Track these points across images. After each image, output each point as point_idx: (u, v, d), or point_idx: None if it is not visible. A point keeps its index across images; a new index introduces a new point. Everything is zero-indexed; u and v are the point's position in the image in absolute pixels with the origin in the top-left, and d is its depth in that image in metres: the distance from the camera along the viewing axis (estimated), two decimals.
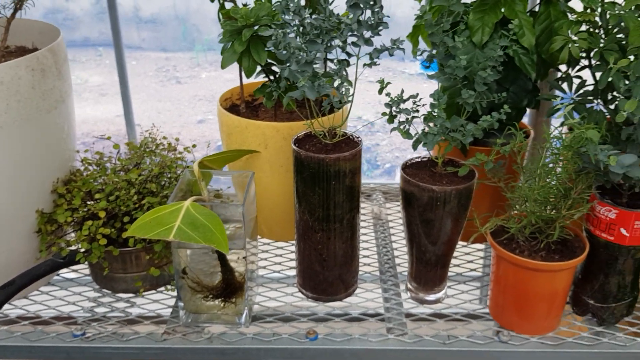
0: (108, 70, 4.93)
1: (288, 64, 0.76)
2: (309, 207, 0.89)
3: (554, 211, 0.86)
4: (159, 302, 0.98)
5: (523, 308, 0.89)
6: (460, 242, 1.14)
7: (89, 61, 5.09)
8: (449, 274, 0.99)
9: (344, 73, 0.86)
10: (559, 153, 0.80)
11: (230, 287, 0.89)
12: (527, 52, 0.94)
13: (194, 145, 1.04)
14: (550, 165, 0.82)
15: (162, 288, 1.00)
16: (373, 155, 3.80)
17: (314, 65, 0.84)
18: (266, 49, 0.89)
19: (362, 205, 1.31)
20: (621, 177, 0.77)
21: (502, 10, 0.94)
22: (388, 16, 0.79)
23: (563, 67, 0.98)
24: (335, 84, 0.84)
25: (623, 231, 0.84)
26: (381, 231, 1.19)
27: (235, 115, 1.05)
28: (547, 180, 0.82)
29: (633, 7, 0.82)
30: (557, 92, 1.03)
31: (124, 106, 1.87)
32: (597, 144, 0.75)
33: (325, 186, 0.87)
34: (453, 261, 1.09)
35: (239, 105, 1.11)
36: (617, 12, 0.85)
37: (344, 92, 0.81)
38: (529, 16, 0.94)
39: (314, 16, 0.82)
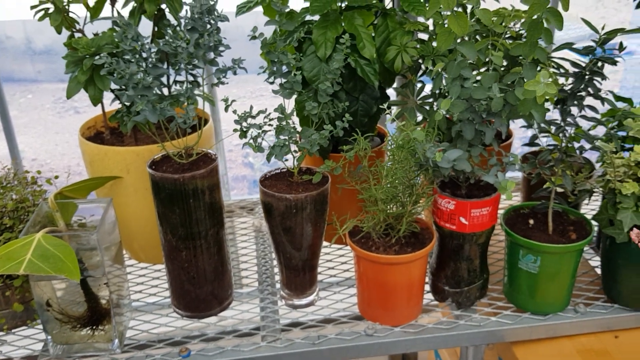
0: None
1: (126, 90, 0.78)
2: (170, 227, 0.91)
3: (401, 207, 0.92)
4: (31, 337, 0.96)
5: (385, 301, 0.94)
6: (335, 245, 1.19)
7: None
8: (325, 277, 1.04)
9: (194, 93, 0.88)
10: (394, 154, 0.86)
11: (97, 315, 0.89)
12: (369, 62, 1.00)
13: (56, 177, 1.03)
14: (389, 164, 0.88)
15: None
16: (264, 170, 3.84)
17: (176, 87, 0.87)
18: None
19: (244, 219, 1.34)
20: (449, 170, 0.84)
21: (343, 25, 1.00)
22: (225, 37, 0.83)
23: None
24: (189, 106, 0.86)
25: (462, 220, 0.91)
26: (261, 243, 1.22)
27: (100, 143, 1.05)
28: (390, 179, 0.88)
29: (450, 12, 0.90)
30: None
31: (7, 142, 1.81)
32: (424, 143, 0.82)
33: (184, 205, 0.89)
34: (329, 264, 1.15)
35: (104, 132, 1.11)
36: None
37: (189, 113, 0.83)
38: (368, 29, 1.01)
39: (162, 41, 0.84)
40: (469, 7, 0.85)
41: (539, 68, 0.94)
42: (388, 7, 1.05)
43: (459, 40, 0.81)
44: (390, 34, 1.01)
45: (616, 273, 0.97)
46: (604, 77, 0.90)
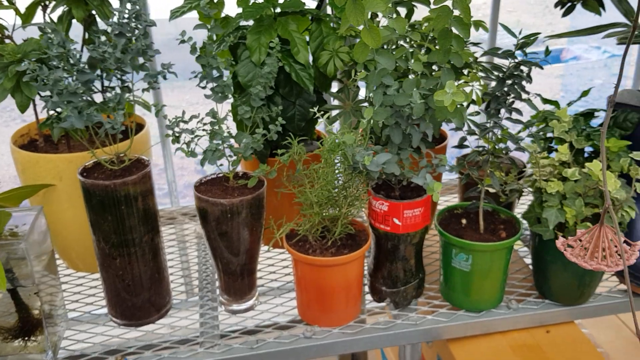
0: None
1: (51, 96, 0.77)
2: (103, 234, 0.90)
3: (336, 210, 0.94)
4: None
5: (323, 303, 0.95)
6: (278, 250, 1.20)
7: None
8: (267, 281, 1.04)
9: (124, 99, 0.88)
10: (326, 157, 0.87)
11: (28, 325, 0.87)
12: (304, 67, 1.01)
13: None
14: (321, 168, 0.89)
15: None
16: None
17: (110, 94, 0.86)
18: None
19: (187, 225, 1.33)
20: (378, 173, 0.86)
21: (277, 30, 1.01)
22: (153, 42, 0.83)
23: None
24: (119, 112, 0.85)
25: (396, 221, 0.93)
26: (203, 249, 1.22)
27: (34, 150, 1.03)
28: (323, 182, 0.89)
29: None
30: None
31: None
32: (353, 147, 0.83)
33: (116, 212, 0.88)
34: (271, 268, 1.15)
35: (37, 140, 1.09)
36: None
37: (117, 118, 0.83)
38: (303, 34, 1.02)
39: (90, 47, 0.84)
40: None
41: (467, 72, 0.97)
42: (322, 13, 1.07)
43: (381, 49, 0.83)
44: (324, 39, 1.03)
45: (546, 270, 1.00)
46: (528, 80, 0.93)
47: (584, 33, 1.01)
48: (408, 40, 0.89)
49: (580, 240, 0.66)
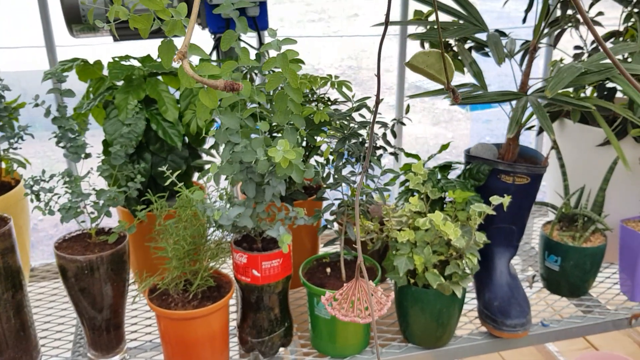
0: None
1: None
2: None
3: (197, 264, 0.97)
4: None
5: (189, 356, 0.97)
6: None
7: None
8: (140, 335, 1.05)
9: None
10: (180, 213, 0.91)
11: None
12: (173, 125, 1.06)
13: None
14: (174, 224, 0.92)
15: None
16: None
17: None
18: None
19: None
20: (230, 227, 0.90)
21: (147, 90, 1.06)
22: None
23: None
24: None
25: (255, 272, 0.97)
26: None
27: None
28: (177, 237, 0.92)
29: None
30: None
31: None
32: (203, 202, 0.87)
33: None
34: (148, 322, 1.16)
35: None
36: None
37: None
38: (172, 94, 1.07)
39: None
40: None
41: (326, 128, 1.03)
42: None
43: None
44: (193, 98, 1.07)
45: (406, 314, 1.05)
46: (393, 135, 0.99)
47: (437, 93, 1.10)
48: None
49: (341, 295, 0.71)
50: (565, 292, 1.20)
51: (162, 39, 0.64)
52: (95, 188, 0.96)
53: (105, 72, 1.11)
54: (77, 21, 1.06)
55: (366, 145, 0.95)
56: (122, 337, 1.03)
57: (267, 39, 0.79)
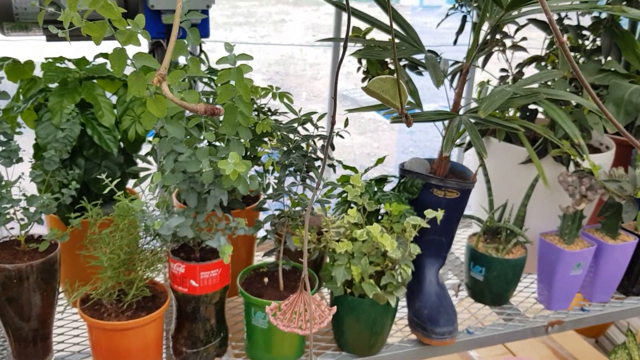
0: None
1: None
2: None
3: (132, 273, 0.95)
4: None
5: None
6: None
7: None
8: (68, 345, 1.01)
9: None
10: (117, 221, 0.89)
11: None
12: (109, 130, 1.03)
13: None
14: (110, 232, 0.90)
15: None
16: None
17: None
18: None
19: None
20: (170, 236, 0.89)
21: (82, 94, 1.03)
22: None
23: None
24: None
25: (193, 282, 0.96)
26: None
27: None
28: (113, 246, 0.90)
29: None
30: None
31: None
32: (142, 212, 0.85)
33: None
34: (76, 331, 1.12)
35: None
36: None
37: None
38: (109, 99, 1.04)
39: None
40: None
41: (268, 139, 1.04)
42: None
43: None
44: (130, 103, 1.05)
45: (341, 323, 1.08)
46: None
47: (376, 108, 1.13)
48: None
49: (286, 306, 0.73)
50: (488, 301, 1.26)
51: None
52: (26, 194, 0.92)
53: (37, 73, 1.07)
54: (9, 19, 1.01)
55: (312, 156, 0.97)
56: (49, 348, 0.99)
57: (207, 46, 0.79)
